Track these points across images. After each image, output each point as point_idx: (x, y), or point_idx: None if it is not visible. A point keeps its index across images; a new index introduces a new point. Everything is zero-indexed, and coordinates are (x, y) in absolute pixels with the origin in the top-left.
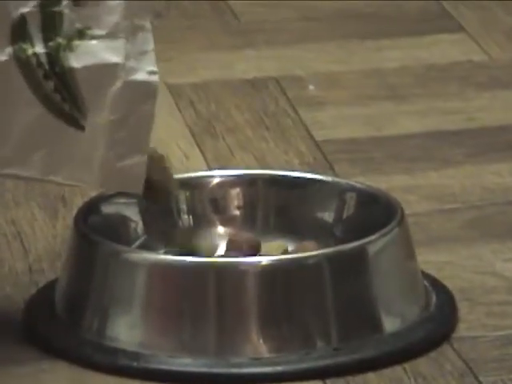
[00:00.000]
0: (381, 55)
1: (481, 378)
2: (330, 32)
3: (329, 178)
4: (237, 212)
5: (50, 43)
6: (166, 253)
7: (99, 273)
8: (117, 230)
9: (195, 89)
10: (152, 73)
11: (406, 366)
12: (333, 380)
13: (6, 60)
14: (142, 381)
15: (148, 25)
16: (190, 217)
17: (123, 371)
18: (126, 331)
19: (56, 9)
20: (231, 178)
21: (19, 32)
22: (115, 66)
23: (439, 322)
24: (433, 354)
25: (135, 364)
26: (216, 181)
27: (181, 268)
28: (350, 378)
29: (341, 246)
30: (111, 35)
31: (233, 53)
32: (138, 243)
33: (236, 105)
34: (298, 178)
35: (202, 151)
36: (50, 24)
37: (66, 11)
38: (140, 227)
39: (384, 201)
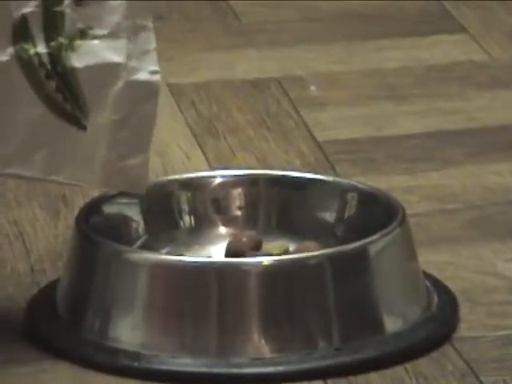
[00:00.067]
0: (382, 55)
1: (482, 378)
2: (331, 32)
3: (330, 178)
4: (238, 212)
5: (52, 43)
6: (167, 253)
7: (101, 273)
8: (118, 230)
9: (197, 89)
10: (154, 72)
11: (408, 366)
12: (334, 380)
13: (7, 60)
14: (143, 381)
15: (150, 24)
16: (192, 217)
17: (124, 371)
18: (128, 331)
19: (58, 9)
20: (233, 179)
21: (21, 32)
22: (117, 65)
23: (440, 322)
24: (434, 354)
25: (136, 364)
26: (218, 181)
27: (182, 268)
28: (351, 379)
29: (342, 246)
30: (113, 35)
31: (234, 53)
32: (139, 243)
33: (237, 105)
34: (300, 178)
35: (203, 151)
36: (52, 24)
37: (68, 11)
38: (141, 227)
39: (385, 201)
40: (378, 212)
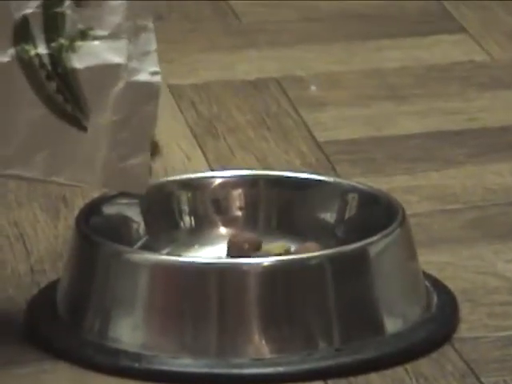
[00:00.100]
0: (382, 55)
1: (482, 379)
2: (330, 32)
3: (330, 179)
4: (239, 213)
5: (53, 44)
6: (168, 253)
7: (101, 273)
8: (118, 230)
9: (197, 90)
10: (154, 73)
11: (408, 366)
12: (335, 381)
13: (8, 61)
14: (144, 381)
15: (150, 25)
16: (192, 217)
17: (125, 372)
18: (128, 332)
19: (58, 10)
20: (233, 179)
21: (21, 33)
22: (117, 66)
23: (441, 323)
24: (434, 355)
25: (137, 365)
26: (218, 181)
27: (182, 269)
28: (351, 379)
29: (342, 246)
30: (113, 36)
31: (234, 53)
32: (139, 244)
33: (237, 105)
34: (300, 178)
35: (203, 152)
36: (53, 25)
37: (68, 12)
38: (142, 228)
39: (385, 201)
40: (378, 212)
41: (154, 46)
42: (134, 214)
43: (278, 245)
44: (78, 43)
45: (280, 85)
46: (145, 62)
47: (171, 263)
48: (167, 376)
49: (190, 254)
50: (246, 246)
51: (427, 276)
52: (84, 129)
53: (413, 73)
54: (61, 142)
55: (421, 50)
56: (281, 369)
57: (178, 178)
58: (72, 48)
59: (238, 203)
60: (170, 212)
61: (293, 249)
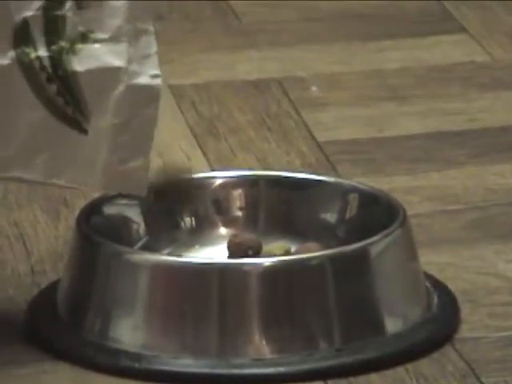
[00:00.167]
0: (382, 56)
1: (483, 379)
2: (331, 33)
3: (331, 179)
4: (239, 213)
5: (53, 47)
6: (168, 254)
7: (101, 274)
8: (119, 231)
9: (197, 90)
10: (155, 76)
11: (408, 366)
12: (335, 381)
13: (8, 64)
14: (144, 382)
15: (151, 28)
16: (193, 218)
17: (125, 372)
18: (128, 332)
19: (59, 12)
20: (233, 179)
21: (22, 36)
22: (118, 69)
23: (441, 323)
24: (435, 355)
25: (137, 365)
26: (218, 182)
27: (183, 269)
28: (352, 379)
29: (343, 246)
30: (114, 39)
31: (234, 53)
32: (140, 244)
33: (238, 106)
34: (301, 178)
35: (203, 152)
36: (53, 27)
37: (69, 14)
38: (142, 228)
39: (386, 202)
40: (379, 213)
41: (154, 49)
42: (135, 214)
43: (279, 245)
44: (79, 46)
45: (280, 85)
46: (145, 65)
47: (172, 263)
48: (168, 376)
49: (191, 255)
50: (250, 253)
51: (428, 276)
52: (84, 131)
53: (413, 73)
54: (61, 145)
55: (421, 50)
56: (281, 369)
57: (178, 178)
58: (72, 51)
59: (238, 203)
60: (170, 212)
61: (293, 249)
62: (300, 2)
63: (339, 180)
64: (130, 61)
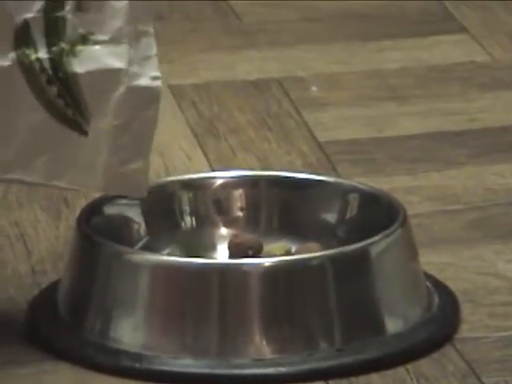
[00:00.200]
0: (382, 56)
1: (483, 379)
2: (331, 33)
3: (331, 179)
4: (240, 213)
5: (54, 48)
6: (168, 254)
7: (102, 274)
8: (119, 231)
9: (197, 90)
10: (155, 78)
11: (409, 366)
12: (336, 381)
13: (9, 65)
14: (145, 382)
15: (151, 30)
16: (193, 218)
17: (126, 372)
18: (129, 332)
19: (59, 14)
20: (234, 179)
21: (22, 37)
22: (118, 71)
23: (441, 323)
24: (435, 355)
25: (138, 365)
26: (219, 182)
27: (183, 269)
28: (352, 379)
29: (343, 247)
30: (114, 40)
31: (235, 54)
32: (140, 244)
33: (238, 106)
34: (301, 178)
35: (204, 152)
36: (54, 29)
37: (69, 16)
38: (143, 228)
39: (387, 202)
40: (379, 213)
41: (154, 51)
42: (135, 214)
43: (279, 245)
44: (79, 48)
45: (281, 85)
46: (145, 66)
47: (172, 264)
48: (168, 376)
49: (191, 255)
50: (251, 253)
51: (428, 276)
52: (85, 133)
53: (413, 73)
54: (61, 147)
55: (421, 50)
56: (282, 369)
57: (179, 178)
58: (73, 52)
59: (239, 204)
60: (170, 212)
61: (294, 249)
62: (300, 1)
63: (339, 180)
64: (130, 62)
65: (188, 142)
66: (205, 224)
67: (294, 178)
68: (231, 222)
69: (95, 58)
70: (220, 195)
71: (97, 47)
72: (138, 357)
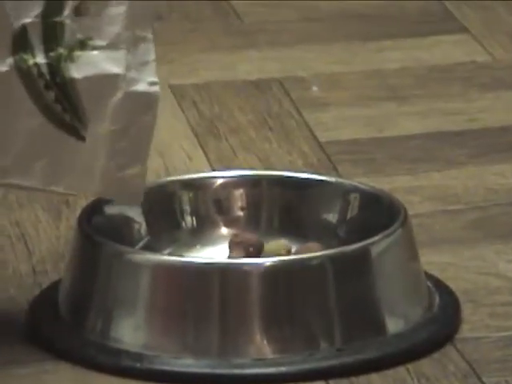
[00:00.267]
0: (382, 56)
1: (484, 379)
2: (331, 33)
3: (332, 179)
4: (240, 213)
5: (51, 53)
6: (169, 253)
7: (103, 274)
8: (120, 230)
9: (198, 89)
10: (153, 83)
11: (410, 366)
12: (336, 381)
13: (6, 70)
14: (146, 382)
15: (149, 36)
16: (194, 218)
17: (126, 372)
18: (130, 332)
19: (57, 19)
20: (235, 179)
21: (20, 42)
22: (116, 76)
23: (442, 323)
24: (436, 355)
25: (138, 365)
26: (219, 182)
27: (184, 269)
28: (353, 379)
29: (344, 246)
30: (112, 46)
31: (235, 54)
32: (141, 244)
33: (239, 106)
34: (302, 178)
35: (205, 152)
36: (52, 34)
37: (68, 22)
38: (143, 228)
39: (387, 202)
40: (380, 213)
41: (152, 56)
42: (136, 214)
43: (280, 245)
44: (77, 53)
45: (282, 85)
46: (143, 72)
47: (173, 263)
48: (169, 376)
49: (192, 255)
50: (250, 246)
51: (429, 276)
52: (82, 138)
53: (413, 73)
54: (59, 152)
55: (422, 50)
56: (283, 369)
57: (179, 178)
58: (71, 58)
59: (239, 203)
60: (171, 212)
61: (294, 249)
62: (300, 1)
63: (340, 180)
64: (128, 68)
65: (189, 141)
66: (205, 224)
67: (294, 177)
68: (232, 222)
69: (93, 63)
70: (220, 195)
71: (95, 52)
72: (138, 357)
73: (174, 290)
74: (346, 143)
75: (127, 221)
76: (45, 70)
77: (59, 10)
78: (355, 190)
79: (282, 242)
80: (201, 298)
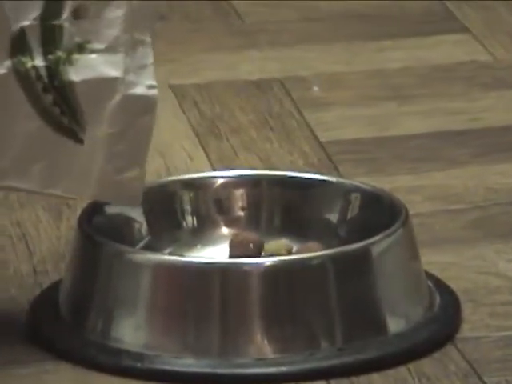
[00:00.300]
0: (383, 56)
1: (485, 379)
2: (332, 33)
3: (333, 179)
4: (241, 213)
5: (50, 56)
6: (170, 253)
7: (103, 274)
8: (121, 230)
9: (199, 89)
10: (151, 87)
11: (410, 366)
12: (337, 380)
13: (5, 73)
14: (146, 381)
15: (148, 39)
16: (194, 217)
17: (127, 372)
18: (130, 332)
19: (56, 22)
20: (235, 179)
21: (19, 45)
22: (114, 79)
23: (443, 323)
24: (437, 355)
25: (139, 365)
26: (220, 181)
27: (185, 269)
28: (354, 379)
29: (345, 246)
30: (111, 49)
31: (236, 53)
32: (141, 244)
33: (240, 106)
34: (303, 178)
35: (206, 152)
36: (50, 37)
37: (66, 25)
38: (144, 228)
39: (388, 201)
40: (381, 212)
41: (151, 60)
42: (137, 214)
43: (281, 245)
44: (75, 56)
45: (283, 85)
46: (141, 75)
47: (173, 263)
48: (169, 376)
49: (193, 254)
50: (251, 246)
51: (430, 276)
52: (80, 141)
53: (415, 73)
54: (57, 155)
55: (423, 50)
56: (283, 368)
57: (180, 177)
58: (69, 61)
59: (240, 203)
60: (172, 212)
61: (295, 248)
62: (301, 1)
63: (341, 180)
64: (126, 71)
65: (189, 141)
66: (206, 223)
67: (295, 177)
68: (232, 222)
69: (91, 66)
70: (221, 195)
71: (93, 56)
72: (139, 356)
73: (174, 290)
74: (347, 143)
75: (128, 221)
76: (43, 72)
77: (58, 13)
78: (356, 189)
79: (283, 242)
80: (201, 297)
